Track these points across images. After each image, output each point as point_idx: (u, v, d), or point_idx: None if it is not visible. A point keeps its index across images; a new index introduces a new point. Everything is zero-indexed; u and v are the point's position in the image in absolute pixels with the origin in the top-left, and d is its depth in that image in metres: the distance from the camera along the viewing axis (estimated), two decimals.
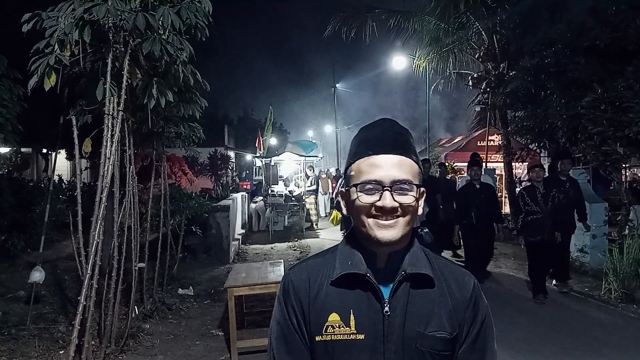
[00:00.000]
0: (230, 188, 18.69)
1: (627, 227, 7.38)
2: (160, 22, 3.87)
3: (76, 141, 4.15)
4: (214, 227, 9.23)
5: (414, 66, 14.88)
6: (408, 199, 1.10)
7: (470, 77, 14.34)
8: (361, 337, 1.10)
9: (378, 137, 1.15)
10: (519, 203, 6.46)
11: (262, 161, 16.27)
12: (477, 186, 7.08)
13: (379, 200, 1.08)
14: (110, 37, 3.99)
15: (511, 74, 11.85)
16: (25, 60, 3.83)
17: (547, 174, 7.32)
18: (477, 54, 13.33)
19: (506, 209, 12.97)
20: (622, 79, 7.46)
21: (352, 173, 1.16)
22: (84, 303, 3.81)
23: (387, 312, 1.11)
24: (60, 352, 4.57)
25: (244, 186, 18.78)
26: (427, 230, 7.36)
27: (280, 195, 14.62)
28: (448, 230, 7.73)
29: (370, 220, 1.10)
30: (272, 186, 15.90)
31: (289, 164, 17.47)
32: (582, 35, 8.68)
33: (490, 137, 14.77)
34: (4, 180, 8.69)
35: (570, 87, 8.65)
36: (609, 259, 6.56)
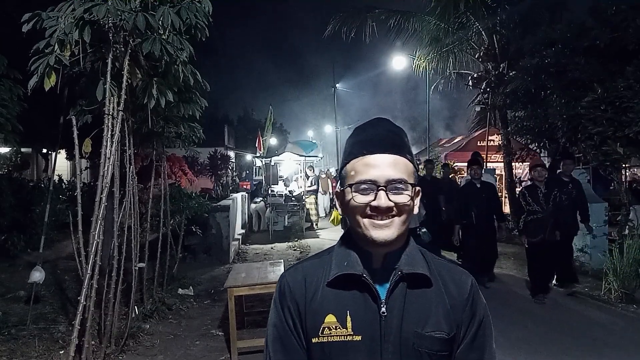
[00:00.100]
0: (230, 188, 18.69)
1: (627, 227, 7.38)
2: (160, 22, 3.87)
3: (76, 141, 4.15)
4: (214, 227, 9.23)
5: (414, 66, 14.88)
6: (403, 198, 1.09)
7: (470, 77, 14.34)
8: (358, 338, 1.09)
9: (372, 137, 1.14)
10: (520, 202, 6.43)
11: (262, 161, 16.29)
12: (478, 185, 7.02)
13: (374, 200, 1.08)
14: (110, 37, 3.99)
15: (511, 74, 11.85)
16: (25, 60, 3.83)
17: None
18: (477, 54, 13.33)
19: (506, 209, 12.97)
20: (622, 79, 7.46)
21: (347, 173, 1.15)
22: (84, 303, 3.81)
23: (383, 312, 1.10)
24: (60, 352, 4.57)
25: (244, 186, 18.79)
26: (425, 230, 7.34)
27: (280, 195, 14.63)
28: (449, 230, 7.68)
29: (366, 221, 1.10)
30: (272, 186, 15.91)
31: (289, 164, 17.48)
32: (582, 35, 8.68)
33: (490, 137, 14.77)
34: (4, 180, 8.69)
35: (570, 87, 8.65)
36: (609, 259, 6.55)
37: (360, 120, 1.30)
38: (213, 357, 4.77)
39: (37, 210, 8.01)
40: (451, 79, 15.72)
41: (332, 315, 1.11)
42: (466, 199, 7.01)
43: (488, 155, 14.11)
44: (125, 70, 4.05)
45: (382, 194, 1.08)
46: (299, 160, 15.90)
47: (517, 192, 12.74)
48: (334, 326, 1.11)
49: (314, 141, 24.48)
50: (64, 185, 10.74)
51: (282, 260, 6.36)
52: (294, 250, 10.82)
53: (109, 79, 3.98)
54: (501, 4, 12.25)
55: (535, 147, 11.95)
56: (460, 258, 8.51)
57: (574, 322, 5.55)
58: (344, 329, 1.10)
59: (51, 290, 6.45)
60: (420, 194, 1.17)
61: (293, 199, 14.32)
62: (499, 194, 13.24)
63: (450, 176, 11.13)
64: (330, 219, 14.26)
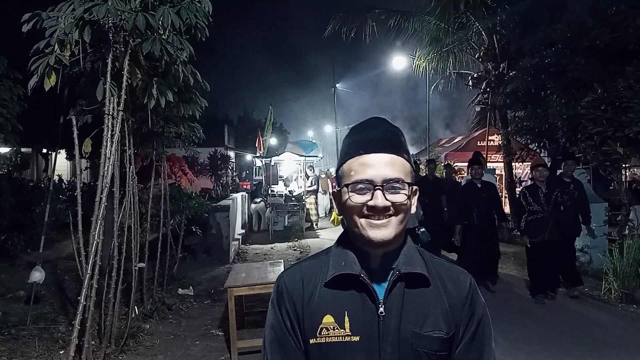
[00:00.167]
0: (230, 188, 18.70)
1: (627, 227, 7.38)
2: (160, 22, 3.88)
3: (76, 141, 4.15)
4: (214, 227, 9.23)
5: (414, 66, 14.89)
6: (400, 197, 1.09)
7: (470, 77, 14.35)
8: (356, 339, 1.09)
9: (369, 136, 1.13)
10: (521, 202, 6.39)
11: (262, 161, 16.29)
12: (479, 185, 6.94)
13: (371, 199, 1.08)
14: (110, 37, 3.99)
15: (511, 74, 11.85)
16: (25, 60, 3.83)
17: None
18: (477, 54, 13.34)
19: (506, 209, 12.97)
20: (622, 79, 7.46)
21: (344, 173, 1.15)
22: (84, 303, 3.81)
23: (381, 312, 1.09)
24: (60, 352, 4.57)
25: (244, 186, 18.79)
26: (424, 229, 7.30)
27: (280, 195, 14.63)
28: (450, 230, 7.64)
29: (363, 221, 1.09)
30: (272, 186, 15.90)
31: (289, 164, 17.48)
32: (582, 35, 8.68)
33: (490, 137, 14.78)
34: (4, 180, 8.70)
35: (570, 87, 8.65)
36: (609, 259, 6.55)
37: (360, 120, 1.29)
38: (213, 357, 4.77)
39: (37, 210, 8.00)
40: (451, 79, 15.73)
41: (329, 316, 1.11)
42: (467, 199, 6.94)
43: (488, 155, 14.10)
44: (125, 70, 4.05)
45: (378, 193, 1.07)
46: (299, 160, 15.90)
47: (518, 192, 12.78)
48: (331, 327, 1.10)
49: (314, 141, 24.49)
50: (64, 185, 10.74)
51: (282, 260, 6.36)
52: (294, 250, 10.82)
53: (109, 79, 3.98)
54: (501, 4, 12.25)
55: (535, 147, 11.94)
56: (460, 258, 8.50)
57: (574, 322, 5.55)
58: (342, 330, 1.09)
59: (51, 290, 6.45)
60: (418, 193, 1.16)
61: (293, 199, 14.32)
62: (499, 194, 13.23)
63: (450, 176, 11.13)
64: (331, 220, 14.25)
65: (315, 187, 14.83)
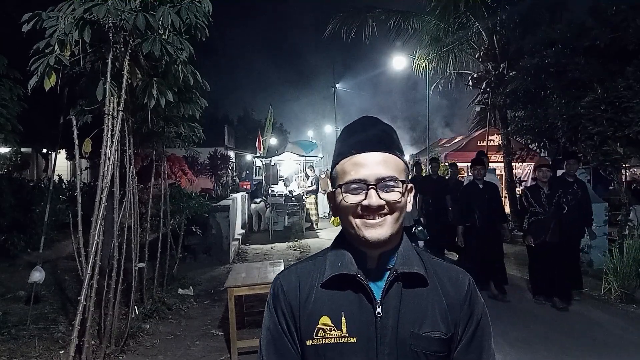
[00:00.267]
0: (230, 188, 18.70)
1: (627, 227, 7.38)
2: (160, 22, 3.88)
3: (76, 141, 4.15)
4: (214, 227, 9.23)
5: (414, 66, 14.90)
6: (394, 195, 1.08)
7: (470, 77, 14.35)
8: (353, 340, 1.08)
9: (360, 136, 1.13)
10: (523, 203, 6.31)
11: (262, 161, 16.29)
12: (480, 186, 6.77)
13: (365, 199, 1.07)
14: (110, 37, 3.99)
15: (511, 74, 11.86)
16: (25, 60, 3.83)
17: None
18: (477, 54, 13.34)
19: (506, 208, 12.96)
20: (622, 79, 7.46)
21: (337, 174, 1.14)
22: (84, 303, 3.81)
23: (379, 313, 1.08)
24: (60, 352, 4.57)
25: (244, 186, 18.79)
26: (421, 228, 7.25)
27: (280, 195, 14.63)
28: (453, 230, 7.56)
29: (358, 221, 1.09)
30: (272, 186, 15.90)
31: (289, 164, 17.48)
32: (582, 35, 8.68)
33: (490, 137, 14.77)
34: (4, 180, 8.70)
35: (570, 87, 8.65)
36: (609, 259, 6.55)
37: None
38: (213, 357, 4.77)
39: (37, 210, 8.00)
40: (451, 79, 15.74)
41: (326, 317, 1.10)
42: (468, 199, 6.80)
43: (488, 155, 14.10)
44: (125, 70, 4.05)
45: (372, 192, 1.07)
46: (299, 160, 15.90)
47: (518, 192, 12.79)
48: (328, 328, 1.09)
49: (314, 141, 24.48)
50: (64, 185, 10.73)
51: (282, 260, 6.36)
52: (294, 250, 10.82)
53: (109, 79, 3.99)
54: (501, 4, 12.26)
55: (535, 147, 11.95)
56: (461, 258, 8.45)
57: (573, 322, 5.55)
58: (339, 331, 1.09)
59: (51, 290, 6.45)
60: (413, 191, 1.16)
61: (293, 199, 14.32)
62: (501, 194, 13.21)
63: (449, 176, 11.11)
64: (331, 220, 14.26)
65: (315, 187, 14.84)
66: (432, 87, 17.46)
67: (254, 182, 19.15)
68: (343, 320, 1.09)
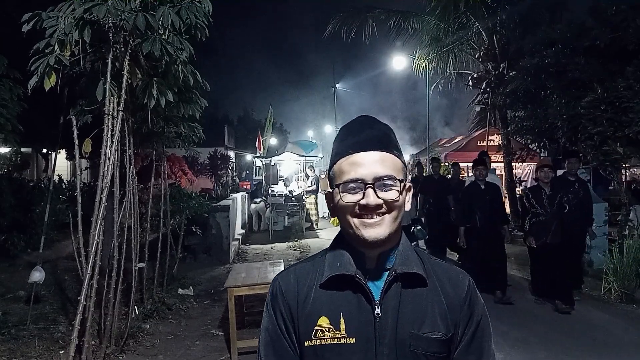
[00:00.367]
0: (230, 188, 18.70)
1: (627, 227, 7.38)
2: (160, 22, 3.88)
3: (76, 141, 4.15)
4: (214, 227, 9.23)
5: (414, 66, 14.90)
6: (392, 194, 1.08)
7: (470, 77, 14.36)
8: (352, 341, 1.07)
9: (357, 135, 1.13)
10: (524, 203, 6.25)
11: (262, 161, 16.30)
12: (482, 187, 6.63)
13: (363, 198, 1.07)
14: (110, 37, 3.99)
15: (511, 74, 11.87)
16: (25, 60, 3.83)
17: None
18: (477, 54, 13.35)
19: (506, 208, 12.96)
20: (622, 79, 7.46)
21: (335, 174, 1.14)
22: (84, 303, 3.81)
23: (378, 314, 1.08)
24: (60, 352, 4.57)
25: (244, 186, 18.78)
26: (420, 227, 7.21)
27: (280, 195, 14.63)
28: (455, 230, 7.52)
29: (356, 220, 1.08)
30: (272, 186, 15.90)
31: (289, 164, 17.48)
32: (582, 35, 8.68)
33: (490, 137, 14.78)
34: (4, 180, 8.70)
35: (570, 87, 8.65)
36: (609, 259, 6.54)
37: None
38: (213, 357, 4.77)
39: (37, 210, 8.00)
40: (451, 79, 15.75)
41: (324, 318, 1.09)
42: (470, 200, 6.71)
43: (489, 155, 14.11)
44: (125, 70, 4.05)
45: (370, 191, 1.06)
46: (299, 160, 15.90)
47: (518, 192, 12.80)
48: (326, 328, 1.09)
49: (314, 141, 24.48)
50: (64, 185, 10.73)
51: (282, 260, 6.36)
52: (294, 250, 10.82)
53: (109, 79, 3.99)
54: (501, 4, 12.26)
55: (535, 147, 11.95)
56: (462, 259, 8.41)
57: (573, 322, 5.55)
58: (337, 332, 1.08)
59: (51, 290, 6.45)
60: (412, 190, 1.15)
61: (293, 199, 14.32)
62: (502, 195, 13.19)
63: (450, 176, 11.10)
64: (331, 220, 14.25)
65: (315, 187, 14.85)
66: (432, 87, 17.47)
67: (254, 182, 19.15)
68: (342, 320, 1.08)
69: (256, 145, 17.33)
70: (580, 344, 4.88)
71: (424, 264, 1.15)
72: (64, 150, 11.04)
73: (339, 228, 1.19)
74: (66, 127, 4.73)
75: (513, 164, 13.27)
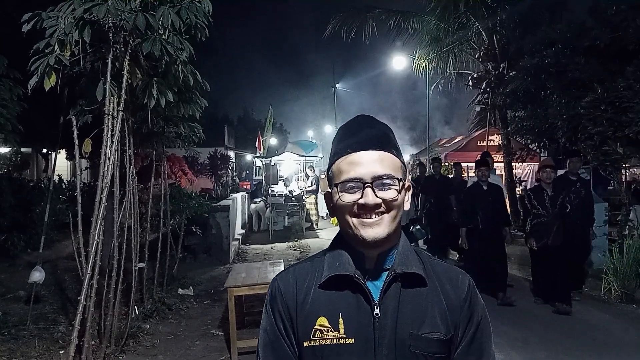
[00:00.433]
0: (230, 188, 18.70)
1: (627, 227, 7.37)
2: (160, 22, 3.88)
3: (76, 141, 4.15)
4: (214, 227, 9.23)
5: (414, 66, 14.90)
6: (391, 193, 1.07)
7: (470, 77, 14.35)
8: (351, 341, 1.07)
9: (356, 135, 1.12)
10: (525, 204, 6.17)
11: (262, 161, 16.30)
12: (485, 188, 6.54)
13: (361, 197, 1.06)
14: (110, 37, 3.99)
15: (511, 74, 11.86)
16: (25, 60, 3.83)
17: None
18: (477, 54, 13.34)
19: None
20: (622, 79, 7.45)
21: (333, 174, 1.13)
22: (84, 303, 3.81)
23: (377, 314, 1.07)
24: (60, 352, 4.57)
25: (244, 186, 18.78)
26: (419, 227, 7.19)
27: (280, 195, 14.63)
28: (456, 231, 7.48)
29: (355, 220, 1.08)
30: (272, 186, 15.91)
31: (289, 164, 17.48)
32: (582, 35, 8.68)
33: (490, 137, 14.78)
34: (4, 180, 8.69)
35: (570, 87, 8.65)
36: (609, 259, 6.54)
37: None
38: (213, 357, 4.77)
39: (37, 210, 8.00)
40: (451, 79, 15.74)
41: (323, 318, 1.09)
42: (472, 201, 6.62)
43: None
44: (125, 70, 4.05)
45: (368, 191, 1.06)
46: (299, 160, 15.91)
47: (518, 192, 12.80)
48: (325, 329, 1.08)
49: (314, 141, 24.50)
50: (64, 185, 10.73)
51: (282, 260, 6.36)
52: (294, 250, 10.82)
53: (109, 79, 3.99)
54: (501, 4, 12.26)
55: (535, 147, 11.95)
56: (462, 259, 8.41)
57: (573, 322, 5.55)
58: (336, 332, 1.07)
59: (51, 290, 6.45)
60: (411, 189, 1.15)
61: (293, 199, 14.32)
62: (505, 197, 13.16)
63: (451, 176, 11.10)
64: (331, 220, 14.25)
65: (315, 187, 14.86)
66: (432, 87, 17.47)
67: (254, 182, 19.16)
68: (340, 321, 1.08)
69: (256, 145, 17.33)
70: (580, 344, 4.88)
71: (424, 264, 1.14)
72: (64, 150, 11.04)
73: (338, 228, 1.19)
74: (66, 127, 4.73)
75: (513, 164, 13.27)
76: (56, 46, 3.76)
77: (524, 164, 15.21)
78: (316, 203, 14.77)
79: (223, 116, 32.97)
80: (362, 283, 1.09)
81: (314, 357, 1.09)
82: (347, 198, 1.08)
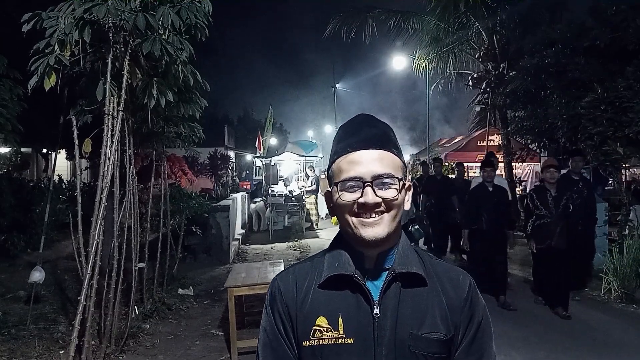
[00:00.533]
0: (230, 188, 18.70)
1: (627, 227, 7.37)
2: (160, 22, 3.88)
3: (76, 141, 4.15)
4: (214, 227, 9.23)
5: (414, 66, 14.92)
6: (391, 193, 1.07)
7: (470, 77, 14.36)
8: (350, 341, 1.06)
9: (356, 134, 1.12)
10: (528, 205, 6.05)
11: (262, 161, 16.30)
12: (490, 189, 6.40)
13: (361, 196, 1.06)
14: (110, 37, 3.99)
15: (511, 74, 11.87)
16: (25, 60, 3.83)
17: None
18: (477, 54, 13.35)
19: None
20: (622, 79, 7.45)
21: (333, 173, 1.13)
22: (84, 303, 3.81)
23: (376, 314, 1.07)
24: (60, 352, 4.57)
25: (244, 186, 18.78)
26: (417, 227, 7.15)
27: (280, 195, 14.63)
28: (458, 231, 7.43)
29: (355, 219, 1.08)
30: (272, 186, 15.91)
31: (289, 164, 17.49)
32: (582, 35, 8.68)
33: (490, 137, 14.79)
34: (4, 180, 8.69)
35: (570, 87, 8.65)
36: (609, 259, 6.53)
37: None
38: (213, 357, 4.77)
39: (37, 210, 8.00)
40: (451, 79, 15.75)
41: (322, 318, 1.09)
42: (477, 202, 6.48)
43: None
44: (125, 70, 4.05)
45: (368, 190, 1.06)
46: (299, 160, 15.91)
47: (518, 193, 12.81)
48: (325, 329, 1.08)
49: (314, 141, 24.49)
50: (64, 185, 10.73)
51: (282, 260, 6.36)
52: (294, 250, 10.81)
53: (109, 79, 3.99)
54: (501, 4, 12.26)
55: (535, 147, 11.95)
56: (462, 260, 8.38)
57: (573, 322, 5.54)
58: (336, 332, 1.07)
59: (51, 290, 6.45)
60: (412, 189, 1.15)
61: (293, 199, 14.32)
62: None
63: (452, 176, 11.09)
64: (332, 220, 14.25)
65: (315, 187, 14.86)
66: (432, 87, 17.48)
67: (254, 182, 19.17)
68: (340, 320, 1.08)
69: (256, 145, 17.32)
70: (580, 344, 4.88)
71: (424, 264, 1.14)
72: (64, 150, 11.03)
73: (338, 228, 1.18)
74: (66, 127, 4.73)
75: (513, 164, 13.27)
76: (56, 46, 3.76)
77: (524, 164, 15.22)
78: (316, 203, 14.77)
79: (223, 116, 33.00)
80: (362, 283, 1.09)
81: (313, 357, 1.09)
82: (347, 197, 1.08)
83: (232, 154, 27.31)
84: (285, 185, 16.30)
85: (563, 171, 6.77)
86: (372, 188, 1.06)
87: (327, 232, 13.36)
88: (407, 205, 1.13)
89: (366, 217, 1.07)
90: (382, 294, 1.09)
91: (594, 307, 6.14)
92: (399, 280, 1.10)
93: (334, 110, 32.23)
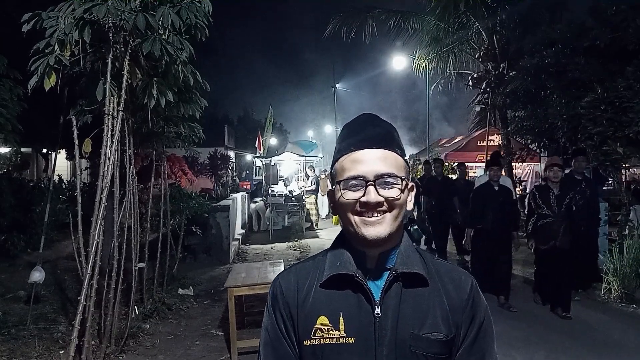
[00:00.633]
0: (230, 188, 18.70)
1: (627, 227, 7.37)
2: (160, 22, 3.88)
3: (76, 141, 4.15)
4: (214, 227, 9.23)
5: (414, 66, 14.92)
6: (393, 192, 1.07)
7: (470, 77, 14.37)
8: (351, 340, 1.06)
9: (360, 133, 1.12)
10: (529, 204, 6.02)
11: (262, 161, 16.30)
12: (496, 188, 6.29)
13: (363, 195, 1.06)
14: (110, 37, 3.99)
15: (511, 74, 11.88)
16: (25, 60, 3.83)
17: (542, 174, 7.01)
18: (477, 54, 13.36)
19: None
20: (622, 79, 7.46)
21: (336, 171, 1.13)
22: (84, 303, 3.81)
23: (377, 314, 1.07)
24: (60, 352, 4.57)
25: (244, 186, 18.78)
26: (416, 227, 7.13)
27: (280, 195, 14.63)
28: (459, 232, 7.40)
29: (357, 218, 1.08)
30: (272, 186, 15.91)
31: (289, 164, 17.49)
32: (582, 35, 8.69)
33: (490, 137, 14.78)
34: (4, 180, 8.69)
35: (570, 87, 8.65)
36: (609, 259, 6.53)
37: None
38: (213, 357, 4.77)
39: (37, 210, 8.01)
40: (451, 79, 15.76)
41: (323, 317, 1.09)
42: (483, 201, 6.36)
43: (488, 155, 14.11)
44: (125, 70, 4.05)
45: (371, 189, 1.06)
46: (299, 160, 15.91)
47: (517, 192, 12.79)
48: (326, 328, 1.08)
49: (314, 141, 24.52)
50: (64, 185, 10.74)
51: (282, 260, 6.36)
52: (294, 250, 10.81)
53: (109, 79, 3.99)
54: (501, 4, 12.27)
55: (535, 147, 11.96)
56: (463, 260, 8.37)
57: (573, 322, 5.54)
58: (337, 331, 1.07)
59: (51, 290, 6.45)
60: (414, 189, 1.15)
61: (293, 199, 14.32)
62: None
63: (453, 176, 11.09)
64: (333, 219, 14.25)
65: (315, 187, 14.86)
66: (432, 87, 17.48)
67: (254, 182, 19.17)
68: (341, 320, 1.08)
69: (256, 145, 17.33)
70: (580, 344, 4.88)
71: (426, 264, 1.14)
72: (64, 150, 11.03)
73: (339, 228, 1.18)
74: (66, 127, 4.73)
75: (513, 164, 13.27)
76: (56, 46, 3.76)
77: (524, 164, 15.22)
78: (316, 203, 14.78)
79: (223, 116, 33.00)
80: (363, 282, 1.09)
81: (314, 356, 1.09)
82: (349, 196, 1.08)
83: (232, 154, 27.31)
84: (285, 185, 16.30)
85: (566, 171, 6.76)
86: (375, 187, 1.06)
87: (327, 232, 13.36)
88: (410, 206, 1.13)
89: (368, 216, 1.07)
90: (383, 293, 1.09)
91: (594, 307, 6.14)
92: (401, 280, 1.10)
93: (334, 110, 32.25)
